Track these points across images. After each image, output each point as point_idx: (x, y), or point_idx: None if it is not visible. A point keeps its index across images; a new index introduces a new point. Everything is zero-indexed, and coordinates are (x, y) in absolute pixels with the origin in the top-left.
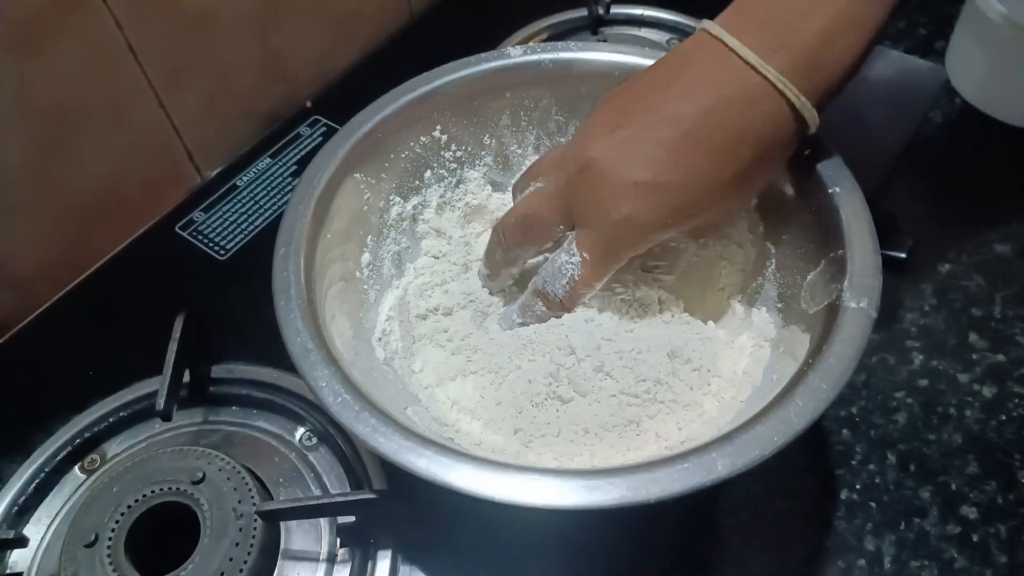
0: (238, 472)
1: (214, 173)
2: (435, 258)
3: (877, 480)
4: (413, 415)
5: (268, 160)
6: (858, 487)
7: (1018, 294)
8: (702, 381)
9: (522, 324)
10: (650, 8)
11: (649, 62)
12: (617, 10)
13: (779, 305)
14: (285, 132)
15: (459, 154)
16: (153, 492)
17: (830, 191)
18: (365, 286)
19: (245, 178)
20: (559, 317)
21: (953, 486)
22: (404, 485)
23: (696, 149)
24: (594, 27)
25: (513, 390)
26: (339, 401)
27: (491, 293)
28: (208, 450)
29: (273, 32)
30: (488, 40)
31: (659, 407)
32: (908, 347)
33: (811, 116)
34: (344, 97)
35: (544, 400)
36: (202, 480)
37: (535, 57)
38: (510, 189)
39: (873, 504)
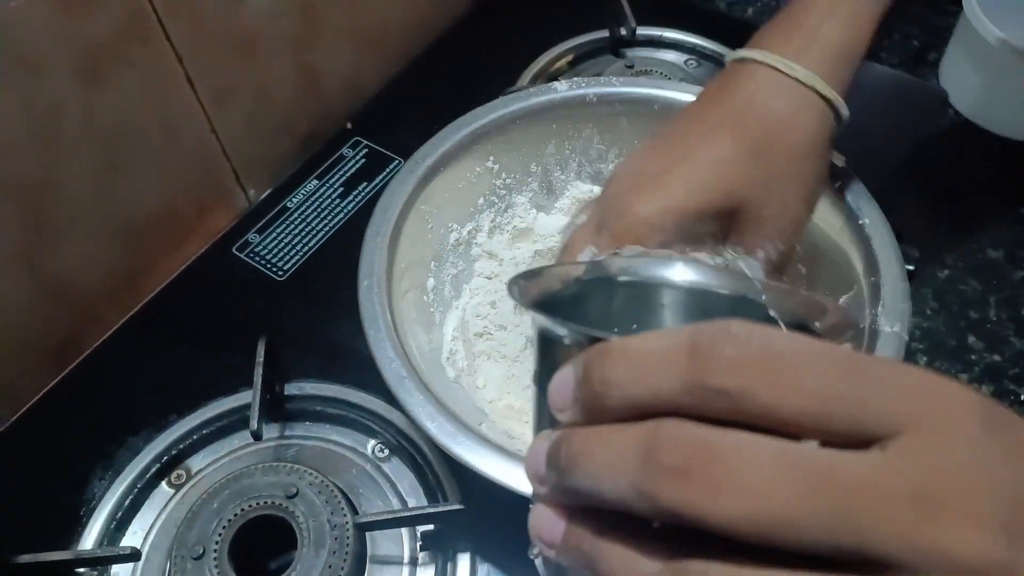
0: (328, 487)
1: (263, 195)
2: (488, 278)
3: None
4: (487, 431)
5: (315, 182)
6: None
7: (1010, 296)
8: None
9: None
10: (669, 30)
11: (690, 96)
12: (637, 28)
13: None
14: (328, 154)
15: (508, 181)
16: (251, 506)
17: (860, 222)
18: (431, 309)
19: (295, 200)
20: None
21: None
22: (479, 494)
23: (698, 135)
24: (615, 48)
25: None
26: (436, 425)
27: None
28: (298, 466)
29: (309, 50)
30: (513, 58)
31: None
32: (913, 349)
33: (841, 104)
34: (381, 117)
35: None
36: (296, 495)
37: (580, 92)
38: (553, 211)
39: None
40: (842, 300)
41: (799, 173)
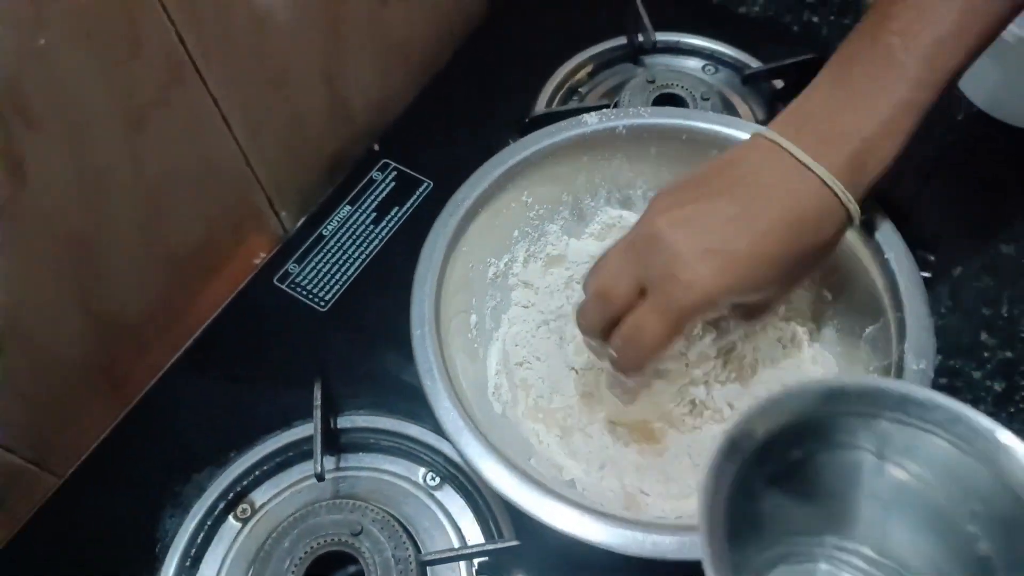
0: (389, 523)
1: (299, 223)
2: (525, 307)
3: None
4: (537, 464)
5: (348, 208)
6: None
7: (1023, 293)
8: None
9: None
10: (686, 35)
11: (715, 127)
12: (657, 36)
13: (838, 348)
14: (359, 178)
15: (540, 211)
16: (320, 543)
17: (886, 256)
18: (476, 344)
19: (329, 227)
20: (647, 386)
21: None
22: (531, 527)
23: (760, 226)
24: (634, 56)
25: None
26: (497, 476)
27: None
28: (360, 502)
29: (337, 77)
30: (532, 69)
31: None
32: None
33: (854, 209)
34: (407, 137)
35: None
36: (361, 532)
37: (610, 124)
38: (584, 236)
39: None
40: (868, 330)
41: (813, 267)
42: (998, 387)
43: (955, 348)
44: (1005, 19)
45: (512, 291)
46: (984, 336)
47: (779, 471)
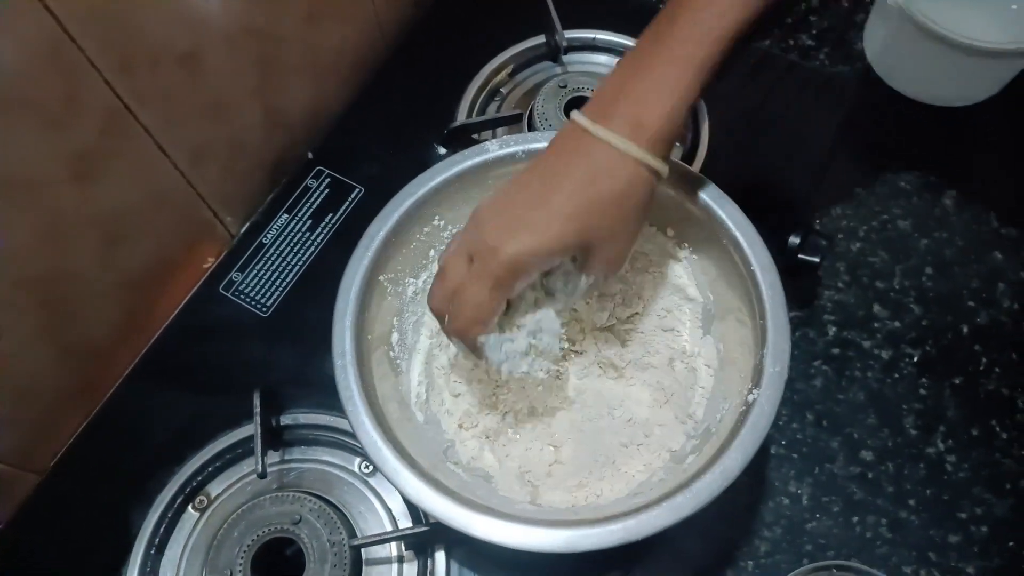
0: (325, 511)
1: (241, 231)
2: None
3: (799, 436)
4: (455, 467)
5: (285, 216)
6: (784, 443)
7: (914, 266)
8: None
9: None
10: (601, 32)
11: None
12: (573, 35)
13: (719, 346)
14: (295, 186)
15: (454, 230)
16: (264, 532)
17: (751, 268)
18: (399, 360)
19: (269, 235)
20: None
21: (855, 435)
22: None
23: (555, 194)
24: (554, 55)
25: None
26: (412, 489)
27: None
28: (299, 494)
29: (271, 94)
30: (457, 72)
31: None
32: (825, 321)
33: (641, 156)
34: (339, 145)
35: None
36: (300, 521)
37: (511, 150)
38: None
39: (795, 455)
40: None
41: (630, 224)
42: (885, 355)
43: (850, 321)
44: None
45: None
46: (876, 308)
47: None
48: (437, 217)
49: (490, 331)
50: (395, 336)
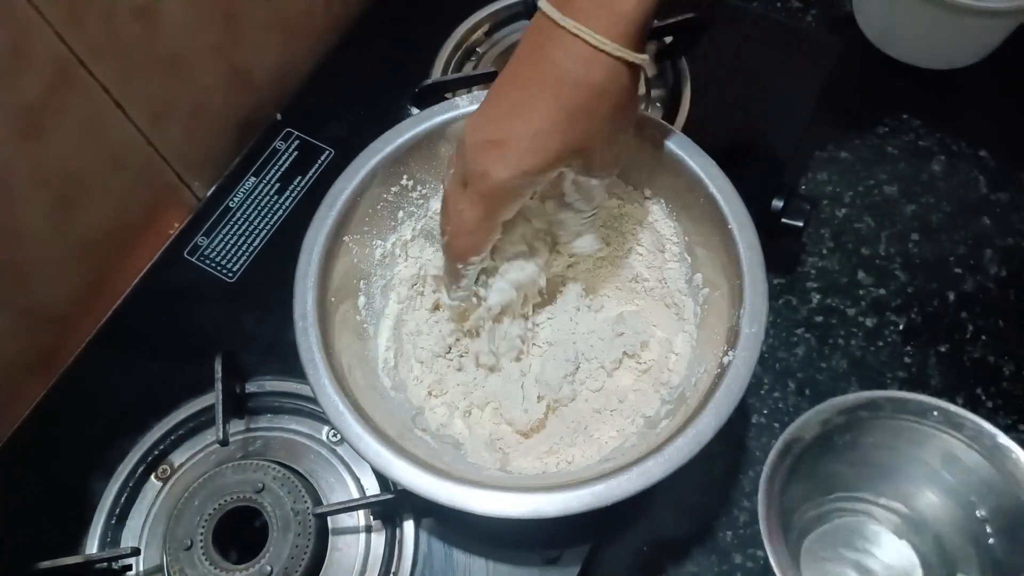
0: (289, 479)
1: (208, 194)
2: (411, 283)
3: (780, 405)
4: (423, 434)
5: (253, 179)
6: (765, 412)
7: (900, 232)
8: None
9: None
10: None
11: None
12: None
13: (697, 309)
14: (263, 148)
15: (425, 192)
16: (226, 501)
17: (729, 227)
18: (365, 324)
19: (235, 199)
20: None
21: None
22: None
23: (534, 103)
24: (530, 14)
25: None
26: (390, 465)
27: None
28: (262, 462)
29: (236, 51)
30: (432, 32)
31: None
32: (808, 288)
33: (613, 48)
34: (309, 106)
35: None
36: (263, 489)
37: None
38: None
39: (776, 424)
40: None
41: (617, 123)
42: (869, 323)
43: (833, 288)
44: None
45: (397, 267)
46: (861, 275)
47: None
48: (406, 176)
49: (483, 257)
50: (362, 299)
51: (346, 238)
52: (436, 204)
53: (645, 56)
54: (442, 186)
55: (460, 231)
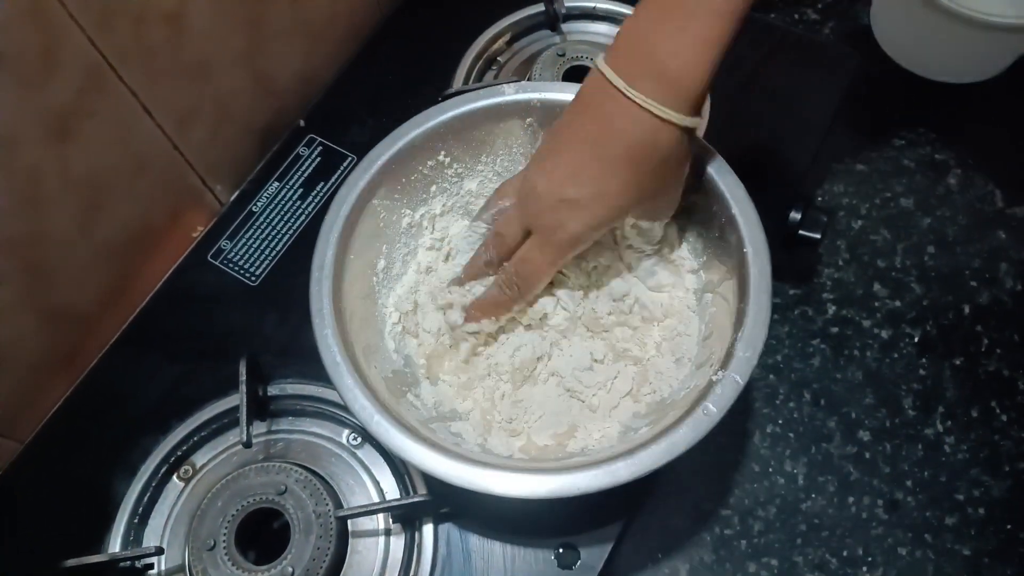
0: (311, 481)
1: (231, 198)
2: (430, 250)
3: (795, 415)
4: (418, 402)
5: (276, 184)
6: (780, 422)
7: (916, 244)
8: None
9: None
10: (601, 0)
11: None
12: (572, 3)
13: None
14: (286, 153)
15: (460, 170)
16: (249, 502)
17: (744, 250)
18: (379, 288)
19: (259, 204)
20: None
21: (853, 415)
22: (437, 481)
23: (602, 167)
24: (552, 24)
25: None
26: (359, 407)
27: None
28: (285, 464)
29: (260, 57)
30: (454, 40)
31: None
32: (824, 299)
33: (679, 118)
34: (332, 112)
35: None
36: (285, 491)
37: (527, 96)
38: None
39: (791, 434)
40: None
41: (678, 177)
42: (885, 335)
43: (849, 299)
44: None
45: (421, 238)
46: (876, 287)
47: None
48: (443, 153)
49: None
50: (381, 263)
51: (375, 201)
52: (469, 184)
53: (704, 118)
54: (482, 220)
55: (523, 272)
